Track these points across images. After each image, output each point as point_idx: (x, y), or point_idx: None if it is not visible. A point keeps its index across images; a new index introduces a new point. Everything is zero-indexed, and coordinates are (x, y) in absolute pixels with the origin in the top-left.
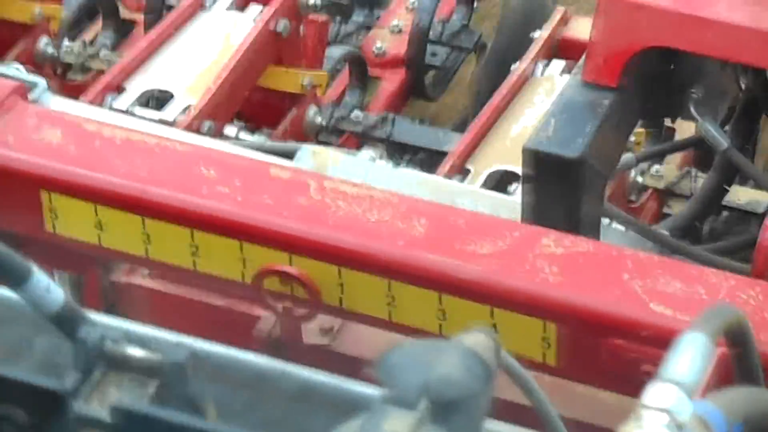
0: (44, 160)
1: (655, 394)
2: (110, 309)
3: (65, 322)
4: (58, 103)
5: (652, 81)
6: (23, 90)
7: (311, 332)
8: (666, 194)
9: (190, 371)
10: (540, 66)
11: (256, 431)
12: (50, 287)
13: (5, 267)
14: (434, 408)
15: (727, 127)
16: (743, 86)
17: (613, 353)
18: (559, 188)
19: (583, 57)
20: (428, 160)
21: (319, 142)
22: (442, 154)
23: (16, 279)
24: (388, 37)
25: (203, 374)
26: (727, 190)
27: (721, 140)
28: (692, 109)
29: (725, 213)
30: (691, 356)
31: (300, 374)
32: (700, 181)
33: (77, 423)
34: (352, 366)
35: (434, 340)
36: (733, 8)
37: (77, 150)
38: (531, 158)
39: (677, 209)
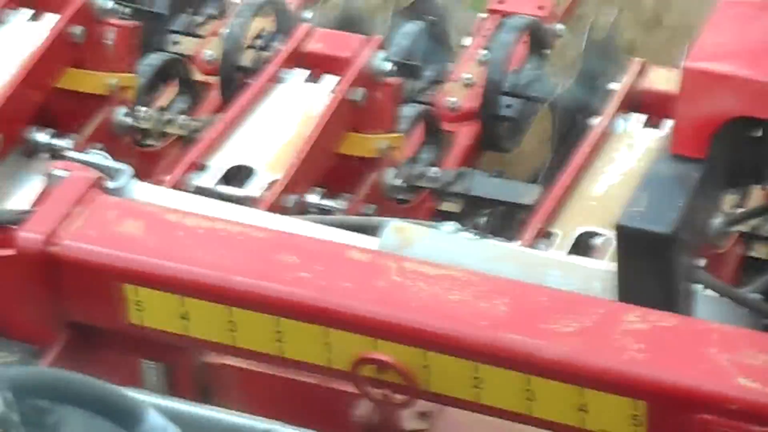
0: (127, 254)
1: None
2: (203, 391)
3: None
4: (143, 190)
5: (739, 149)
6: (101, 182)
7: (408, 417)
8: (750, 237)
9: None
10: (620, 120)
11: None
12: (167, 428)
13: (119, 409)
14: None
15: None
16: None
17: (702, 428)
18: (653, 264)
19: (670, 129)
20: (509, 212)
21: (398, 201)
22: (522, 207)
23: (131, 421)
24: (460, 91)
25: None
26: None
27: None
28: None
29: None
30: None
31: None
32: None
33: None
34: None
35: None
36: None
37: (160, 242)
38: (624, 234)
39: (762, 252)
